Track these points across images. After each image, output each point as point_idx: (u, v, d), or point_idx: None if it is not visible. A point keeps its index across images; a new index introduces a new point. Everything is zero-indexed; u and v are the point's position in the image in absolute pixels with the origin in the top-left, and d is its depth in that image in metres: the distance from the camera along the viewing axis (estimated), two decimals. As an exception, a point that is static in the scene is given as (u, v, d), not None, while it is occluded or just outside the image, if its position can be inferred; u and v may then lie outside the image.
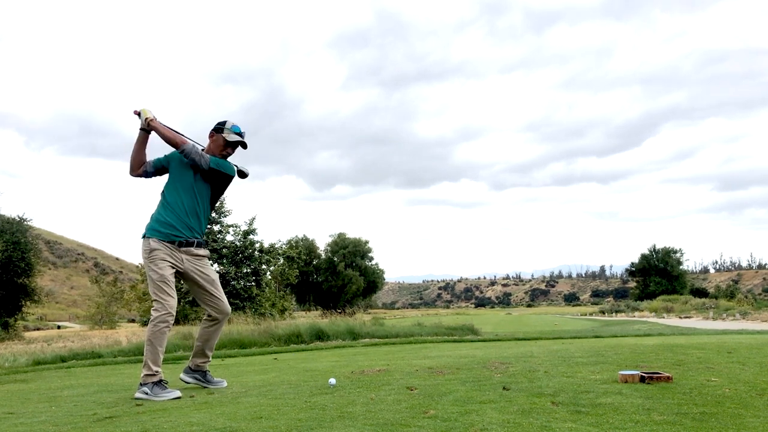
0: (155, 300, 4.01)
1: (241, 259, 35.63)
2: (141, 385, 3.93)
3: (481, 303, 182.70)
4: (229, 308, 4.34)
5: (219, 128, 4.27)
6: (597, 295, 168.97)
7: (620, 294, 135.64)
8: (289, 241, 59.29)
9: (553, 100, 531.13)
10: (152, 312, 4.02)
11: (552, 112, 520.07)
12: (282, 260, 41.32)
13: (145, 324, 34.94)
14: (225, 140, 4.24)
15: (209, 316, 4.31)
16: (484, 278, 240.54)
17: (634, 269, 74.99)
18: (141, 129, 4.19)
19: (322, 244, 70.03)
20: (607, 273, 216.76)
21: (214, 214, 36.91)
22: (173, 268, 4.09)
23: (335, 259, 67.04)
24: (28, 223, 31.19)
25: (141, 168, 4.24)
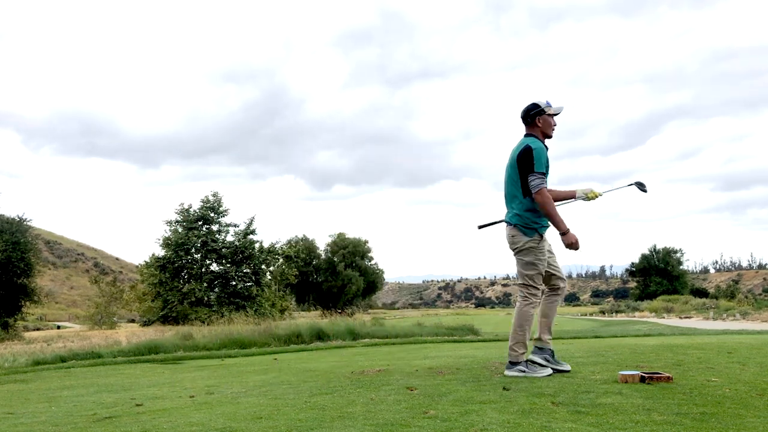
0: (532, 286, 4.18)
1: (241, 259, 35.64)
2: (513, 364, 4.05)
3: (481, 303, 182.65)
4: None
5: (540, 111, 4.34)
6: (597, 295, 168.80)
7: (620, 294, 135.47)
8: (289, 241, 59.33)
9: (557, 99, 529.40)
10: (528, 297, 4.17)
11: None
12: (281, 260, 41.32)
13: (144, 324, 34.92)
14: (551, 116, 4.36)
15: (552, 287, 4.34)
16: (484, 278, 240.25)
17: (634, 269, 74.89)
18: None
19: (321, 244, 69.98)
20: (607, 273, 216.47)
21: (212, 214, 36.86)
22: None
23: (335, 259, 67.00)
24: (28, 223, 31.13)
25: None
